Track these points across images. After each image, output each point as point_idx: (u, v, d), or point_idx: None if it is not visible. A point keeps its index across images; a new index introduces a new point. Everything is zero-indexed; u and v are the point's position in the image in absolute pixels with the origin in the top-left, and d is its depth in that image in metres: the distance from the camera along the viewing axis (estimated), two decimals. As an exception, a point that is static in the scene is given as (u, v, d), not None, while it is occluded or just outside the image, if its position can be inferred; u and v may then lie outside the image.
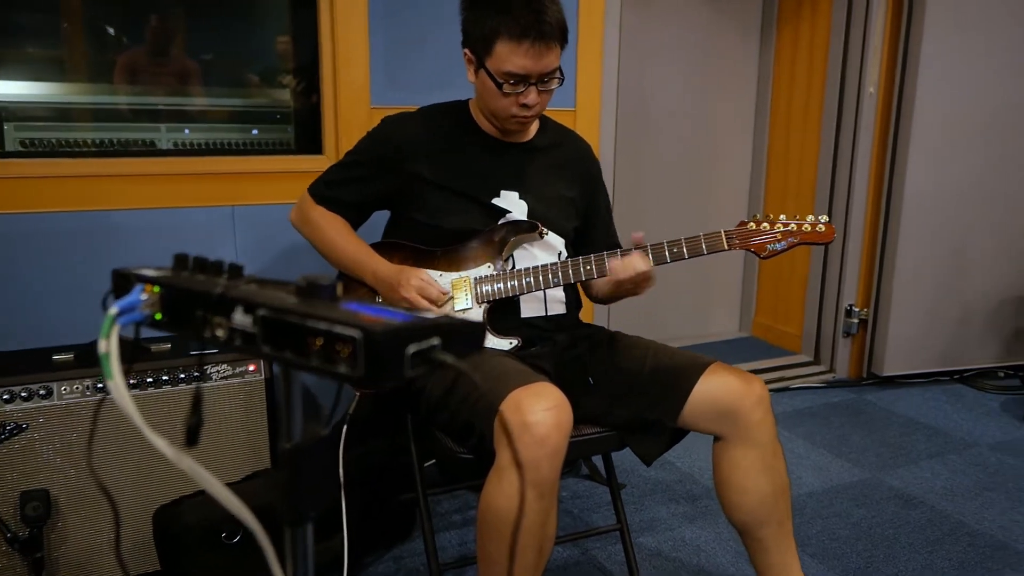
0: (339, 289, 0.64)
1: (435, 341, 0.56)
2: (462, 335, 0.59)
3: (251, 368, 1.97)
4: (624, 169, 3.24)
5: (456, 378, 1.51)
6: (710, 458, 1.66)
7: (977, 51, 3.03)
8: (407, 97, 2.37)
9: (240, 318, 0.59)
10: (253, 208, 2.28)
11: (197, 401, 0.63)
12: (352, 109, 2.33)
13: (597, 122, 2.65)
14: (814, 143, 3.43)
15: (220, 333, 0.60)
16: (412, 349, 0.54)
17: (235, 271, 0.66)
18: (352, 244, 1.70)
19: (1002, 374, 3.42)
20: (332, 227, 1.72)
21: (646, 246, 1.61)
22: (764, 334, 3.88)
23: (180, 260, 0.68)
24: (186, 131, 2.36)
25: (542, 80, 1.55)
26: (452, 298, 1.63)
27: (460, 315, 1.63)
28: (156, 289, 0.64)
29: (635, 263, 1.57)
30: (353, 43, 2.29)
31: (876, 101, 3.16)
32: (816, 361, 3.51)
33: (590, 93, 2.62)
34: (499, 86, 1.54)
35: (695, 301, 3.86)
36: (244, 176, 2.27)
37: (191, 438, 0.62)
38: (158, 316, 0.64)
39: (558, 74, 1.57)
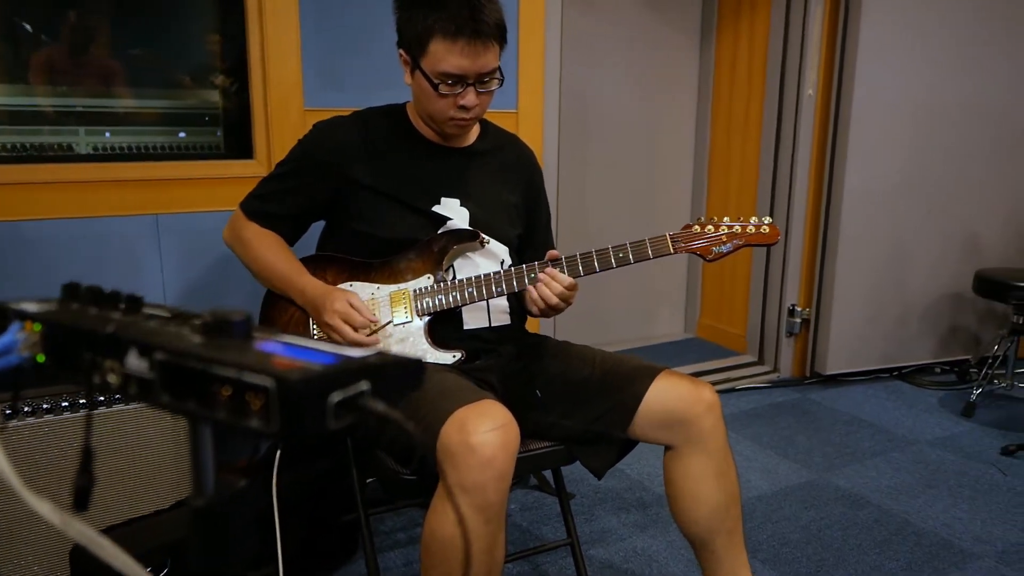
0: (254, 323, 0.56)
1: (364, 386, 0.49)
2: (396, 375, 0.52)
3: (178, 387, 1.85)
4: (567, 172, 3.19)
5: (397, 397, 1.43)
6: (660, 464, 1.62)
7: (913, 52, 3.07)
8: (343, 99, 2.27)
9: (135, 362, 0.51)
10: (179, 216, 2.16)
11: (86, 459, 0.54)
12: (284, 111, 2.23)
13: (540, 124, 2.60)
14: (755, 144, 3.45)
15: (112, 379, 0.52)
16: (336, 397, 0.47)
17: (133, 304, 0.57)
18: (282, 261, 1.60)
19: (939, 370, 3.50)
20: (263, 244, 1.62)
21: (561, 259, 1.56)
22: (709, 335, 3.89)
23: (70, 290, 0.59)
24: (107, 134, 2.22)
25: (480, 80, 1.49)
26: (390, 322, 1.55)
27: (401, 327, 1.55)
28: (37, 327, 0.55)
29: (555, 284, 1.51)
30: (284, 41, 2.19)
31: (815, 103, 3.18)
32: (760, 361, 3.52)
33: (532, 95, 2.56)
34: (435, 87, 1.47)
35: (639, 303, 3.84)
36: (169, 183, 2.15)
37: (80, 502, 0.54)
38: (40, 358, 0.55)
39: (498, 74, 1.51)
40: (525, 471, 1.61)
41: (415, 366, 0.54)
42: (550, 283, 1.51)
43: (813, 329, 3.34)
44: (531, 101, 2.57)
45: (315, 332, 1.57)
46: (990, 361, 3.08)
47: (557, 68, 2.63)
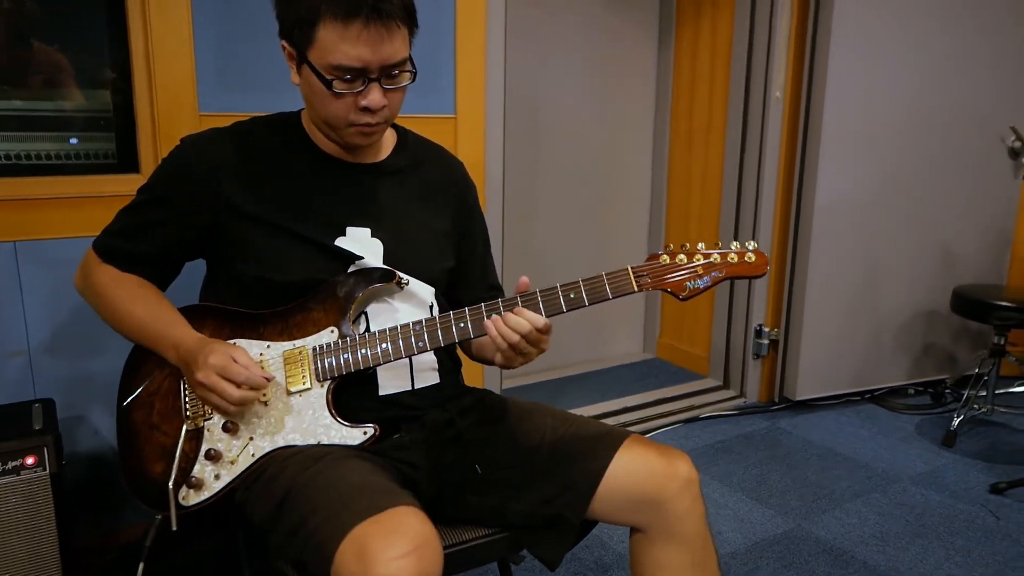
0: None
1: None
2: None
3: (29, 461, 1.50)
4: (512, 185, 2.88)
5: (284, 496, 1.10)
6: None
7: (888, 53, 2.83)
8: (246, 101, 1.93)
9: None
10: (44, 243, 1.79)
11: None
12: (175, 116, 1.88)
13: (482, 131, 2.28)
14: (718, 153, 3.18)
15: None
16: None
17: None
18: (148, 311, 1.25)
19: (912, 391, 3.28)
20: (121, 289, 1.27)
21: (535, 293, 1.23)
22: (670, 356, 3.61)
23: None
24: (-21, 142, 1.85)
25: (387, 74, 1.17)
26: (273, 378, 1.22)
27: (297, 396, 1.22)
28: None
29: (525, 320, 1.18)
30: (172, 33, 1.83)
31: (783, 107, 2.92)
32: (726, 385, 3.26)
33: (473, 98, 2.24)
34: (327, 84, 1.15)
35: (594, 321, 3.54)
36: (30, 203, 1.78)
37: None
38: None
39: (408, 66, 1.19)
40: (460, 568, 1.30)
41: None
42: (510, 319, 1.18)
43: (782, 351, 3.09)
44: (471, 105, 2.25)
45: (187, 405, 1.23)
46: (970, 384, 2.86)
47: (501, 67, 2.31)
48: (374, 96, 1.16)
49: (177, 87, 1.86)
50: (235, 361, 1.16)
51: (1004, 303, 2.68)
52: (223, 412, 1.19)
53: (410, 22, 1.17)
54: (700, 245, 1.28)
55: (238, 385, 1.15)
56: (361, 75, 1.15)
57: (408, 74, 1.19)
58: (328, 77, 1.14)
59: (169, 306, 1.28)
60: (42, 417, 1.59)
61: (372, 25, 1.10)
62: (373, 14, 1.09)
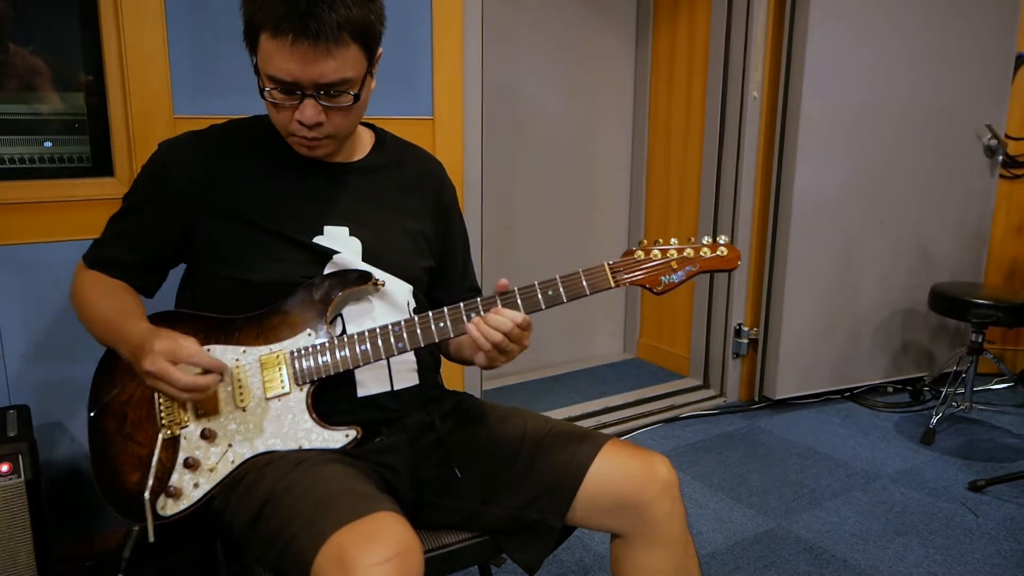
0: None
1: None
2: None
3: (4, 468, 1.48)
4: (490, 187, 2.88)
5: (263, 504, 1.08)
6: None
7: (865, 51, 2.86)
8: (222, 104, 1.91)
9: None
10: (13, 249, 1.76)
11: None
12: (149, 119, 1.86)
13: (460, 133, 2.27)
14: (696, 152, 3.20)
15: None
16: None
17: None
18: (111, 307, 1.23)
19: (891, 389, 3.31)
20: (93, 291, 1.26)
21: (514, 291, 1.24)
22: (650, 356, 3.62)
23: None
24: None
25: (323, 92, 1.14)
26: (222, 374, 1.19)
27: (276, 400, 1.21)
28: None
29: (506, 318, 1.18)
30: (147, 36, 1.81)
31: (760, 106, 2.94)
32: (706, 385, 3.27)
33: (450, 99, 2.24)
34: (261, 92, 1.15)
35: (574, 321, 3.55)
36: (8, 208, 1.76)
37: None
38: None
39: (351, 88, 1.16)
40: (441, 572, 1.29)
41: None
42: (492, 319, 1.18)
43: (761, 350, 3.11)
44: (449, 106, 2.24)
45: (161, 413, 1.21)
46: (948, 381, 2.89)
47: (478, 68, 2.31)
48: (307, 112, 1.15)
49: (151, 89, 1.84)
50: (183, 346, 1.12)
51: (981, 300, 2.71)
52: (176, 400, 1.15)
53: (358, 42, 1.12)
54: (673, 240, 1.31)
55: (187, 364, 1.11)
56: (294, 89, 1.13)
57: (350, 95, 1.16)
58: (264, 86, 1.14)
59: (134, 303, 1.26)
60: (16, 424, 1.57)
61: (301, 42, 1.07)
62: (301, 32, 1.07)
